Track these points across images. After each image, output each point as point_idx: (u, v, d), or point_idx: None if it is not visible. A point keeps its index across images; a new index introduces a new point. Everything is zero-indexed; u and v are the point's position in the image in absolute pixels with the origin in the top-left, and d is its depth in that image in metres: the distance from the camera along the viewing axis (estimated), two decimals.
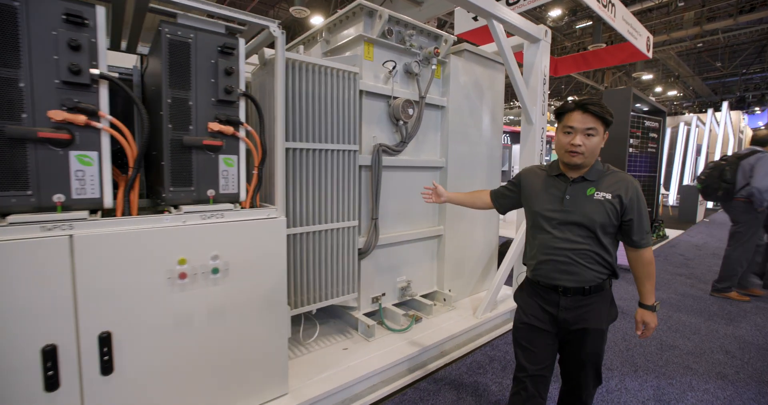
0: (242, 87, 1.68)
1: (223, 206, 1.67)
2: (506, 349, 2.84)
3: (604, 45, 10.78)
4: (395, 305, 2.86)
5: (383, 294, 2.78)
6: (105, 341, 1.40)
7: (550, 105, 18.71)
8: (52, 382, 1.31)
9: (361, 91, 2.44)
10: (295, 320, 2.74)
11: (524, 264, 1.67)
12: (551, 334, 1.58)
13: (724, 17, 10.45)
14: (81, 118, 1.32)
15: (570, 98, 1.60)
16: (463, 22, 5.06)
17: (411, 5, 7.74)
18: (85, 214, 1.37)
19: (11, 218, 1.25)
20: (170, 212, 1.55)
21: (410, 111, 2.60)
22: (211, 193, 1.66)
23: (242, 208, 1.77)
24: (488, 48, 3.39)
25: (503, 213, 1.89)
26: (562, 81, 16.86)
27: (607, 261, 1.49)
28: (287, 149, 2.07)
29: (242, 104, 1.71)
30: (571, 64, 11.07)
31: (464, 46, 2.94)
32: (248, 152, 1.78)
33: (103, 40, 1.37)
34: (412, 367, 2.40)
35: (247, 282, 1.73)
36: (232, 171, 1.71)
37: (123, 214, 1.48)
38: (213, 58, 1.59)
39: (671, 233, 7.42)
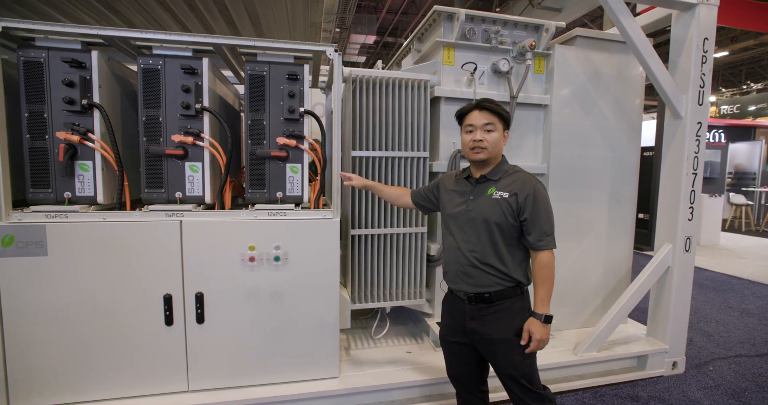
0: (306, 106, 1.99)
1: (286, 206, 2.02)
2: (613, 403, 2.28)
3: None
4: None
5: None
6: (199, 299, 1.93)
7: None
8: (169, 320, 1.92)
9: (438, 98, 2.42)
10: (365, 315, 2.93)
11: None
12: (467, 346, 1.61)
13: None
14: (189, 139, 1.87)
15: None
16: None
17: (550, 13, 7.41)
18: (191, 206, 1.93)
19: (151, 207, 1.90)
20: (247, 209, 1.99)
21: None
22: (279, 194, 2.03)
23: (310, 208, 2.09)
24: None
25: (426, 214, 2.12)
26: None
27: (501, 270, 1.49)
28: (354, 157, 2.28)
29: (307, 121, 2.02)
30: None
31: (576, 32, 2.48)
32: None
33: (206, 82, 1.90)
34: None
35: (302, 271, 2.03)
36: (297, 177, 2.04)
37: (218, 209, 2.00)
38: (282, 85, 1.95)
39: None
